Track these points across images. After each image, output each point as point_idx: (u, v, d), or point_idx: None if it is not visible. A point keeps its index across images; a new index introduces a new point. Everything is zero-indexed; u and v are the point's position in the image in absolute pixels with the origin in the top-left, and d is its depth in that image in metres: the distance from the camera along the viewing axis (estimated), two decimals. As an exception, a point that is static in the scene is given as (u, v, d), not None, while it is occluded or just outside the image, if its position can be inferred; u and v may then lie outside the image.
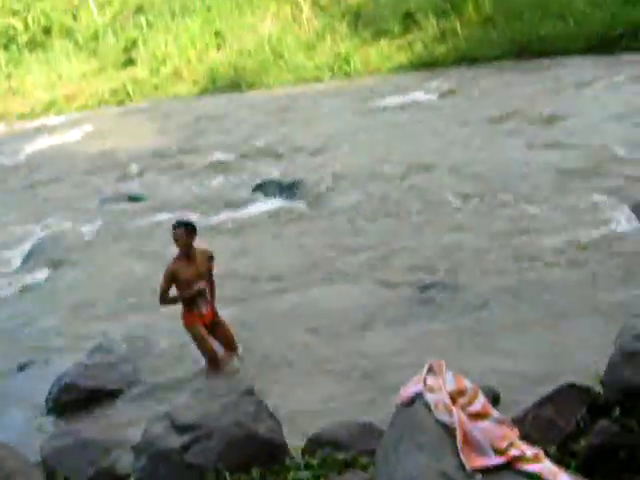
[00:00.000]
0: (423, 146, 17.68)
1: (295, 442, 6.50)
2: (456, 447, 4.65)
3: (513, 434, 4.89)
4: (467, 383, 5.03)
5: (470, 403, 4.90)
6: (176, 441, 6.19)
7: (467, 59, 25.79)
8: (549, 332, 8.59)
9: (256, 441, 6.14)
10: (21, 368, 10.42)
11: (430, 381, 4.96)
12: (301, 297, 10.89)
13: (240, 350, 9.39)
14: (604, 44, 22.94)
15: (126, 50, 38.22)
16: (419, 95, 23.14)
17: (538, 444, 5.14)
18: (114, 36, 40.88)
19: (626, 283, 9.37)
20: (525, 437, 5.15)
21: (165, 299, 9.16)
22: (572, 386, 6.02)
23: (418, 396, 4.93)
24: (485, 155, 15.95)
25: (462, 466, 4.59)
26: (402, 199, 14.29)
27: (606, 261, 10.16)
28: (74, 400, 9.10)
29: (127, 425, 8.04)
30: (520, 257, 10.80)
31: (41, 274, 14.03)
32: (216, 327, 9.27)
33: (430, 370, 5.07)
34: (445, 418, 4.77)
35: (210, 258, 9.23)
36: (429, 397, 4.86)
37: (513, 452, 4.70)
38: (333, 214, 14.36)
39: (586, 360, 6.96)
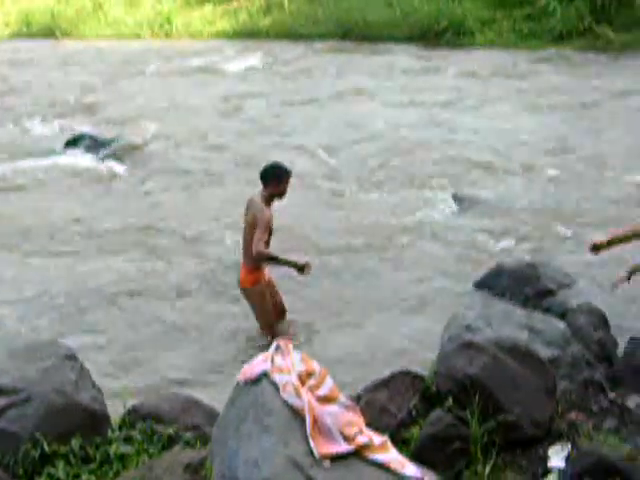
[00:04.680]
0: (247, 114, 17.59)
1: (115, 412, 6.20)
2: (304, 431, 4.50)
3: (360, 420, 4.79)
4: (315, 365, 4.88)
5: (318, 386, 4.76)
6: (-11, 404, 5.73)
7: (291, 34, 25.72)
8: (381, 317, 8.62)
9: (77, 410, 5.76)
10: None
11: (278, 361, 4.78)
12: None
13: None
14: (428, 36, 23.58)
15: None
16: (236, 64, 22.92)
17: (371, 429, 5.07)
18: None
19: (456, 272, 9.56)
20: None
21: (266, 254, 7.92)
22: (406, 373, 6.00)
23: (265, 375, 4.73)
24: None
25: (310, 452, 4.45)
26: (225, 164, 14.11)
27: (432, 248, 10.32)
28: None
29: None
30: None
31: None
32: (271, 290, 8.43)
33: (278, 349, 4.89)
34: (293, 400, 4.60)
35: None
36: (277, 377, 4.68)
37: (361, 439, 4.60)
38: (151, 176, 13.94)
39: (419, 347, 6.99)
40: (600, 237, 7.54)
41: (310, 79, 20.69)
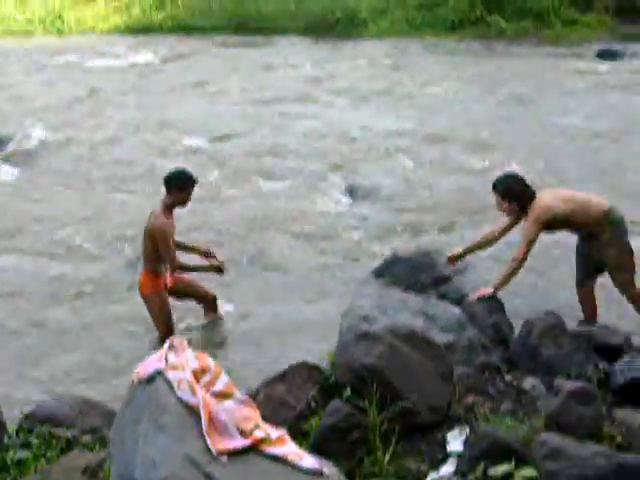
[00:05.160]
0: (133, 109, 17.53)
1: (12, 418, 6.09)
2: (200, 428, 4.47)
3: (257, 415, 4.78)
4: (210, 362, 4.86)
5: (213, 382, 4.74)
6: None
7: (185, 28, 25.63)
8: (277, 309, 8.60)
9: (-28, 418, 5.67)
10: None
11: (172, 358, 4.74)
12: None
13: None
14: (322, 27, 23.72)
15: None
16: (133, 59, 22.75)
17: (270, 423, 5.07)
18: None
19: (352, 262, 9.59)
20: (258, 416, 5.08)
21: (181, 266, 7.95)
22: (303, 365, 6.02)
23: (159, 374, 4.69)
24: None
25: (207, 449, 4.42)
26: (108, 164, 13.96)
27: (326, 239, 10.35)
28: None
29: None
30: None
31: None
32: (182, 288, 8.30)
33: (171, 347, 4.85)
34: (188, 397, 4.56)
35: None
36: (171, 375, 4.64)
37: (258, 434, 4.59)
38: (34, 176, 13.73)
39: (318, 339, 7.01)
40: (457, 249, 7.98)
41: (190, 74, 20.69)
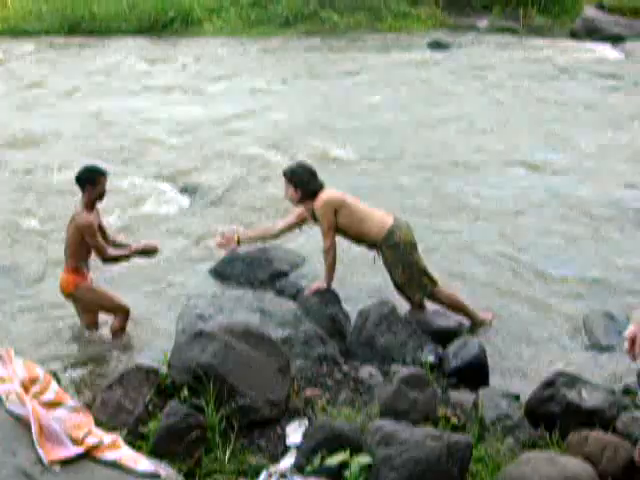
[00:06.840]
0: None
1: None
2: (32, 439, 4.41)
3: (89, 421, 4.75)
4: (39, 371, 4.80)
5: (43, 392, 4.69)
6: None
7: (15, 31, 24.99)
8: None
9: None
10: None
11: None
12: None
13: None
14: (156, 27, 23.58)
15: None
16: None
17: (108, 429, 5.05)
18: None
19: (189, 262, 9.54)
20: (96, 423, 5.04)
21: (113, 256, 7.62)
22: (139, 368, 5.99)
23: (-15, 387, 4.61)
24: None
25: (39, 459, 4.37)
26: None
27: (163, 240, 10.26)
28: None
29: None
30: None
31: None
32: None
33: (-1, 358, 4.78)
34: (17, 409, 4.51)
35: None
36: (-1, 388, 4.58)
37: (90, 441, 4.56)
38: None
39: (156, 342, 6.98)
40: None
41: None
